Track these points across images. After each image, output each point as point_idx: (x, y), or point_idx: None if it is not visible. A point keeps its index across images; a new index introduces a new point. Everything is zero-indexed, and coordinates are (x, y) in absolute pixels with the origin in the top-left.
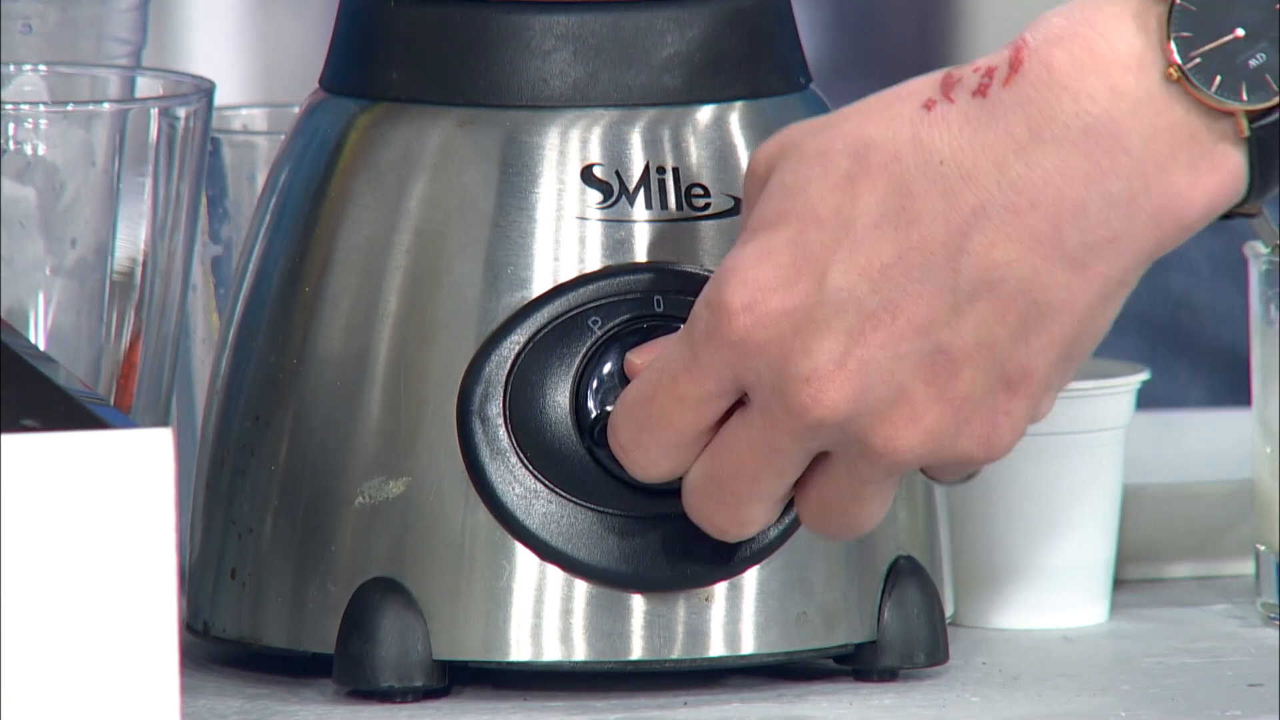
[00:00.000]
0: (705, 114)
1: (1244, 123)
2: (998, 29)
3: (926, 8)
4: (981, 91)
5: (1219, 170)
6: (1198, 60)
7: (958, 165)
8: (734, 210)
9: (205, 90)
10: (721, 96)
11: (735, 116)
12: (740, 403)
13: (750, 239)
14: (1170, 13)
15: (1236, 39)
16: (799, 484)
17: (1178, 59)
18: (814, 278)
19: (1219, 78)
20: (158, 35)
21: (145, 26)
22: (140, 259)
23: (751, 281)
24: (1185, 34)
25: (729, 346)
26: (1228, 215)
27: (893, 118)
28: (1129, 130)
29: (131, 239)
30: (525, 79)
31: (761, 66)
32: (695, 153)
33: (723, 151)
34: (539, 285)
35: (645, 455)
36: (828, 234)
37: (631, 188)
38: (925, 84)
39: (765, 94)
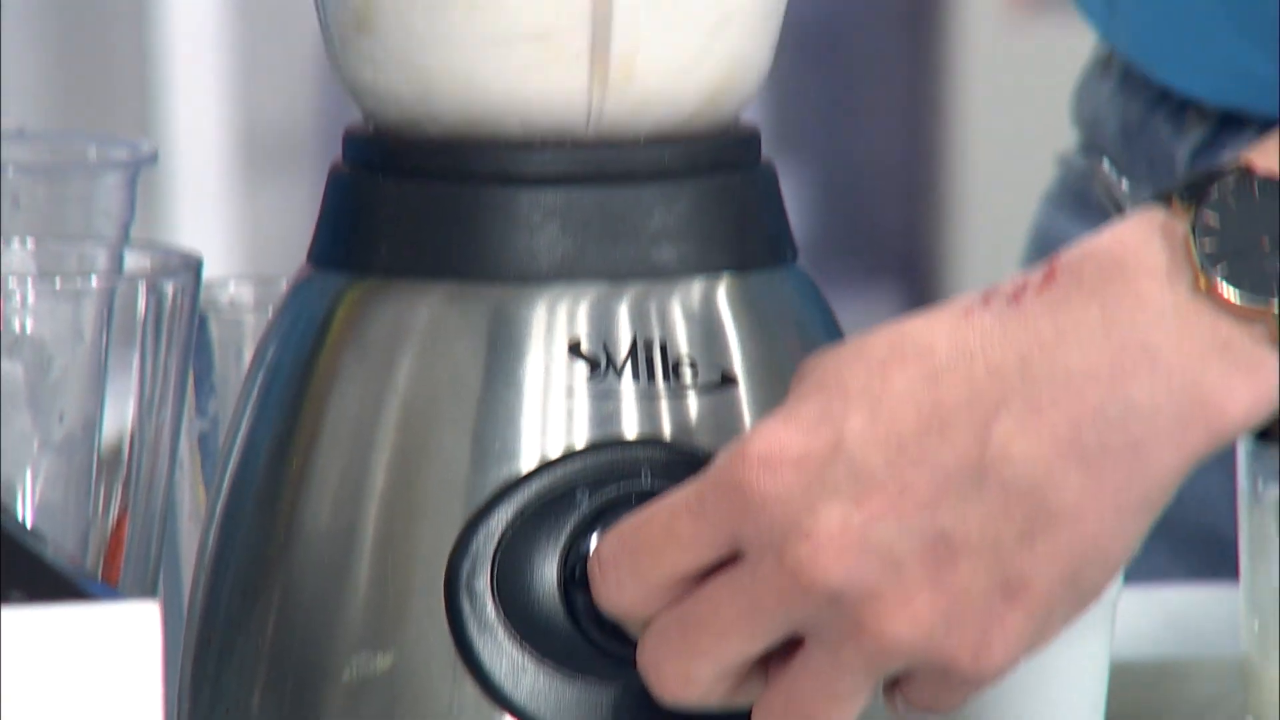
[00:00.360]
0: (692, 288)
1: (1277, 327)
2: (983, 209)
3: (913, 188)
4: (1016, 299)
5: (1256, 374)
6: (1224, 269)
7: (986, 360)
8: (721, 384)
9: (193, 265)
10: (708, 270)
11: (722, 290)
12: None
13: (782, 408)
14: (1194, 228)
15: (1262, 250)
16: (766, 686)
17: (1203, 268)
18: (831, 441)
19: (1247, 282)
20: (146, 209)
21: (134, 201)
22: (128, 434)
23: (773, 437)
24: (1210, 244)
25: (736, 492)
26: (1265, 435)
27: (932, 319)
28: (1154, 337)
29: (119, 414)
30: (513, 254)
31: (748, 241)
32: (682, 326)
33: (710, 325)
34: (527, 460)
35: (616, 575)
36: (852, 403)
37: (619, 362)
38: (968, 296)
39: (752, 267)
